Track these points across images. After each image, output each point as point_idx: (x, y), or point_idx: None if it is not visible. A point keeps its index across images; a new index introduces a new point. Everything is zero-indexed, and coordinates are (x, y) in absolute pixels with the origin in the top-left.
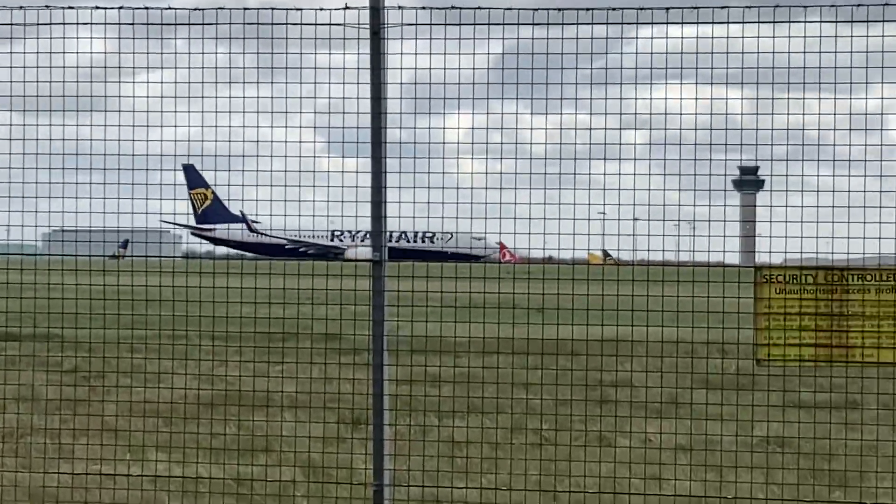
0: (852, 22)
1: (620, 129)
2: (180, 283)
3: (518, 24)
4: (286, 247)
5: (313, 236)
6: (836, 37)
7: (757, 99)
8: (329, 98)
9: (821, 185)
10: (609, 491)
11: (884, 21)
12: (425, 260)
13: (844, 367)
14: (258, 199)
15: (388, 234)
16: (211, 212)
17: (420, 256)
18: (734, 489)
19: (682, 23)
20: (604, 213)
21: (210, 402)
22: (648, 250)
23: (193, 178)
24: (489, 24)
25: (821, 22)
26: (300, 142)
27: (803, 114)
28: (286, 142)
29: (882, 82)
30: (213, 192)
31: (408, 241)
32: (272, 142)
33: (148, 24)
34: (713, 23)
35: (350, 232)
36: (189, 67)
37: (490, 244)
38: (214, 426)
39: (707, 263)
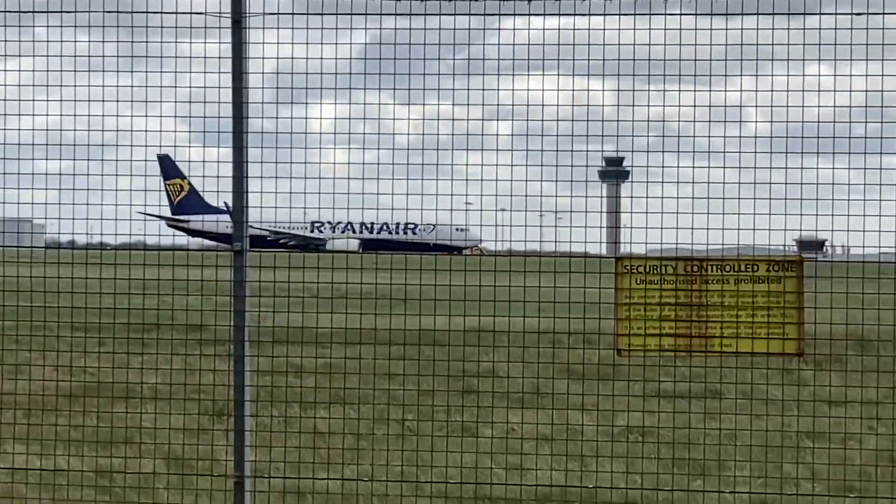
0: (711, 15)
1: (483, 119)
2: (40, 274)
3: (381, 14)
4: (268, 238)
5: (293, 227)
6: (695, 29)
7: (615, 90)
8: (189, 87)
9: (683, 177)
10: (471, 481)
11: (742, 14)
12: (407, 252)
13: (703, 356)
14: (118, 189)
15: (370, 225)
16: (187, 203)
17: (402, 248)
18: (596, 478)
19: (544, 14)
20: (469, 204)
21: (70, 394)
22: (511, 241)
23: (169, 168)
24: (352, 13)
25: (681, 14)
26: (160, 131)
27: (662, 106)
28: (146, 131)
29: (741, 75)
30: (190, 183)
31: (389, 233)
32: (132, 131)
33: (6, 11)
34: (575, 14)
35: (330, 223)
36: (48, 56)
37: (472, 236)
38: (76, 418)
39: (569, 254)
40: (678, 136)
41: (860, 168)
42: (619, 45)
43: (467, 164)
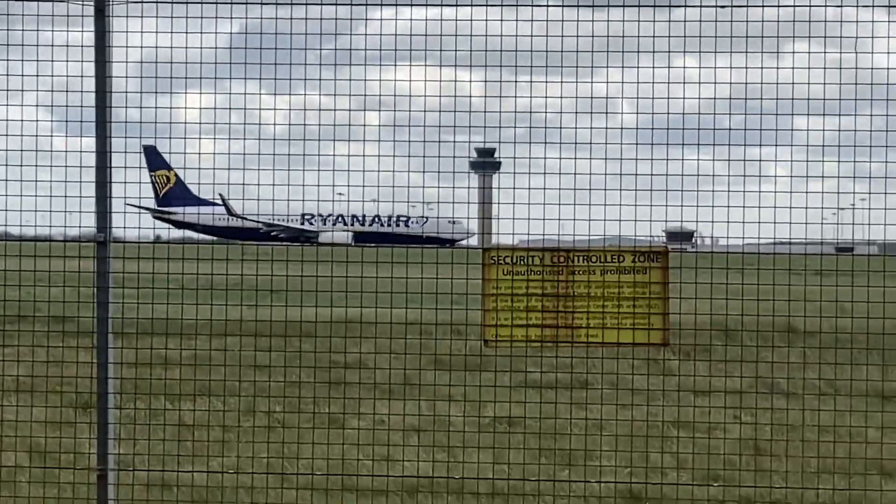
0: (578, 7)
1: (349, 109)
2: None
3: (246, 3)
4: (261, 230)
5: (286, 220)
6: (562, 21)
7: (486, 81)
8: (52, 76)
9: (552, 168)
10: (338, 473)
11: (609, 6)
12: (400, 244)
13: (570, 347)
14: None
15: (362, 217)
16: (173, 194)
17: (394, 240)
18: (462, 469)
19: (412, 4)
20: (339, 195)
21: None
22: (378, 231)
23: (154, 159)
24: (217, 2)
25: (548, 6)
26: (22, 120)
27: (529, 96)
28: (7, 120)
29: (604, 66)
30: (176, 175)
31: (381, 225)
32: None
33: None
34: (443, 5)
35: (321, 215)
36: None
37: (464, 229)
38: None
39: (437, 244)
40: (544, 127)
41: (725, 160)
42: (485, 35)
43: (334, 155)
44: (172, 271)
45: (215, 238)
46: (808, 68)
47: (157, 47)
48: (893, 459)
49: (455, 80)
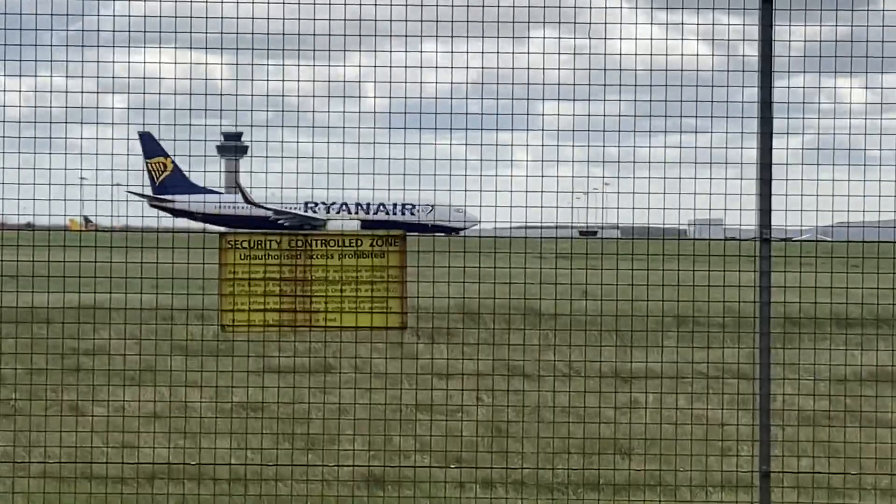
0: None
1: (82, 92)
2: None
3: None
4: (269, 218)
5: (293, 207)
6: (307, 3)
7: (222, 63)
8: None
9: (302, 152)
10: (75, 461)
11: None
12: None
13: (308, 331)
14: None
15: (366, 205)
16: (170, 182)
17: (400, 228)
18: (207, 455)
19: None
20: (83, 179)
21: None
22: (128, 216)
23: (150, 146)
24: None
25: None
26: None
27: (268, 79)
28: None
29: (344, 49)
30: (173, 161)
31: (386, 214)
32: None
33: None
34: None
35: (324, 203)
36: None
37: (470, 216)
38: None
39: (172, 229)
40: (282, 110)
41: (469, 143)
42: (220, 17)
43: (66, 137)
44: None
45: None
46: (544, 54)
47: None
48: (628, 439)
49: (190, 63)
